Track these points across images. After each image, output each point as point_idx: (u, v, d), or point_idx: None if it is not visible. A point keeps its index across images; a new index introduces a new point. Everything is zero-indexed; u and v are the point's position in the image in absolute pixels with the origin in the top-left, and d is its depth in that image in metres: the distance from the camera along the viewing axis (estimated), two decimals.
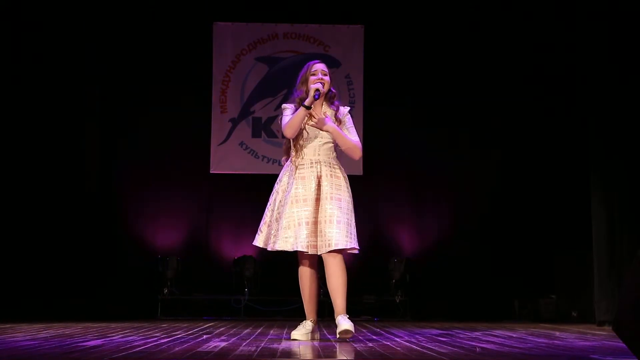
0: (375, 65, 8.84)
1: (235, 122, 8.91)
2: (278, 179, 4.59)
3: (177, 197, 8.74)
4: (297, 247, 4.33)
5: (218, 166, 8.84)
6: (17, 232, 7.96)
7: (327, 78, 4.55)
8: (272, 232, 4.47)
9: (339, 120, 4.54)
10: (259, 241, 4.56)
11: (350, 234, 4.36)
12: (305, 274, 4.52)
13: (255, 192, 8.74)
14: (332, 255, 4.36)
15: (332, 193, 4.38)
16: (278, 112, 8.86)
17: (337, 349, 3.80)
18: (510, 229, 8.57)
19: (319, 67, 4.58)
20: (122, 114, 8.79)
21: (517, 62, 8.72)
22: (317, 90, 4.45)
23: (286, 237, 4.35)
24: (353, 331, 4.27)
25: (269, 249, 4.49)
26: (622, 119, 6.70)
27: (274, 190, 4.58)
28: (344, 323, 4.26)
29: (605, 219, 6.71)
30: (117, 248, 8.49)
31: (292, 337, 4.42)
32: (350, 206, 4.44)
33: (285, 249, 4.37)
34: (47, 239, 8.16)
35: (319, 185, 4.40)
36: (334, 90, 4.64)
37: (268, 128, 8.90)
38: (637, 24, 6.60)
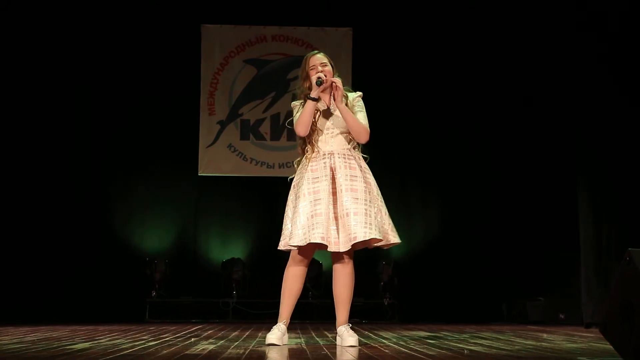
0: (363, 68, 8.85)
1: (223, 125, 8.90)
2: (294, 180, 4.40)
3: (165, 200, 8.72)
4: (311, 240, 4.09)
5: (206, 168, 8.83)
6: (4, 235, 7.92)
7: (327, 68, 4.36)
8: (288, 231, 4.26)
9: (350, 108, 4.33)
10: (281, 245, 4.32)
11: (370, 224, 4.12)
12: (293, 274, 4.31)
13: (244, 194, 8.78)
14: (343, 263, 4.26)
15: (346, 185, 4.19)
16: (267, 115, 8.88)
17: (326, 352, 3.79)
18: (498, 232, 8.59)
19: (316, 60, 4.39)
20: (110, 115, 8.76)
21: (506, 65, 8.75)
22: (319, 77, 4.27)
23: (299, 232, 4.14)
24: (358, 346, 4.13)
25: (283, 248, 4.28)
26: (608, 121, 6.73)
27: (289, 192, 4.39)
28: (349, 339, 4.13)
29: (593, 221, 6.74)
30: (105, 250, 8.45)
31: (268, 342, 4.18)
32: (369, 195, 4.21)
33: (299, 244, 4.14)
34: (34, 241, 8.12)
35: (333, 178, 4.24)
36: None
37: (256, 130, 8.89)
38: (625, 30, 6.64)
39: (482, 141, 8.89)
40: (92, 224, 8.52)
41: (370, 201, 4.22)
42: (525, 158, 8.72)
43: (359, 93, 4.46)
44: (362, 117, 4.34)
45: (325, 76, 4.32)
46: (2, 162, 8.09)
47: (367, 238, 4.13)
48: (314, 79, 4.30)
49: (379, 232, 4.18)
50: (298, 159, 4.45)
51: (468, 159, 8.85)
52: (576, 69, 7.10)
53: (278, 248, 4.34)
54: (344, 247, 4.16)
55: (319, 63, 4.38)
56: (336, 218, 4.19)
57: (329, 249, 4.18)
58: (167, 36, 8.77)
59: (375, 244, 4.27)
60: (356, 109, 4.37)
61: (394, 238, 4.31)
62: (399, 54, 8.91)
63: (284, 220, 4.34)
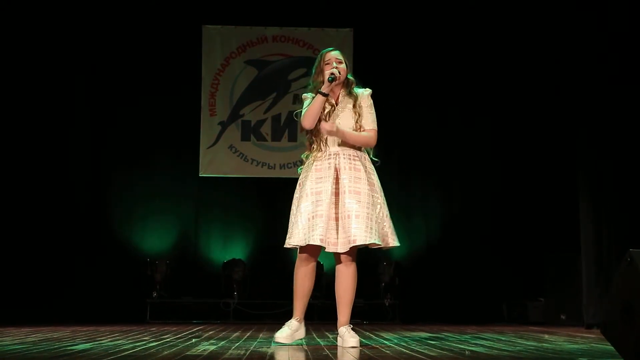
0: (364, 69, 8.84)
1: (224, 126, 8.90)
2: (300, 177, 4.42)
3: (166, 200, 8.71)
4: (310, 241, 4.12)
5: (207, 169, 8.83)
6: (4, 236, 7.91)
7: (342, 66, 4.39)
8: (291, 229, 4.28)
9: (358, 107, 4.39)
10: (286, 243, 4.33)
11: (371, 228, 4.13)
12: (302, 273, 4.33)
13: (244, 195, 8.78)
14: (346, 264, 4.25)
15: (350, 186, 4.20)
16: (268, 116, 8.88)
17: (327, 353, 3.79)
18: (499, 232, 8.60)
19: (332, 55, 4.42)
20: (111, 117, 8.76)
21: (506, 67, 8.75)
22: (332, 73, 4.29)
23: (299, 232, 4.17)
24: (359, 347, 4.14)
25: (287, 246, 4.29)
26: (610, 121, 6.73)
27: (296, 189, 4.41)
28: (351, 340, 4.14)
29: (593, 221, 6.73)
30: (106, 251, 8.44)
31: (275, 341, 4.25)
32: (372, 199, 4.21)
33: (299, 244, 4.18)
34: (35, 241, 8.12)
35: (337, 178, 4.24)
36: (351, 78, 4.48)
37: (257, 131, 8.89)
38: (626, 28, 6.64)
39: (483, 143, 8.88)
40: (93, 225, 8.52)
41: (372, 204, 4.23)
42: (525, 158, 8.72)
43: (369, 91, 4.49)
44: (371, 120, 4.40)
45: (340, 73, 4.36)
46: (1, 163, 8.08)
47: (367, 243, 4.15)
48: (327, 74, 4.33)
49: (379, 237, 4.20)
50: (306, 153, 4.47)
51: (469, 160, 8.85)
52: (577, 68, 7.09)
53: (284, 246, 4.36)
54: (342, 248, 4.17)
55: (335, 59, 4.41)
56: (337, 219, 4.20)
57: (327, 250, 4.20)
58: (168, 37, 8.77)
59: (374, 246, 4.27)
60: (364, 110, 4.40)
61: (393, 241, 4.32)
62: (399, 55, 8.91)
63: (290, 218, 4.36)
